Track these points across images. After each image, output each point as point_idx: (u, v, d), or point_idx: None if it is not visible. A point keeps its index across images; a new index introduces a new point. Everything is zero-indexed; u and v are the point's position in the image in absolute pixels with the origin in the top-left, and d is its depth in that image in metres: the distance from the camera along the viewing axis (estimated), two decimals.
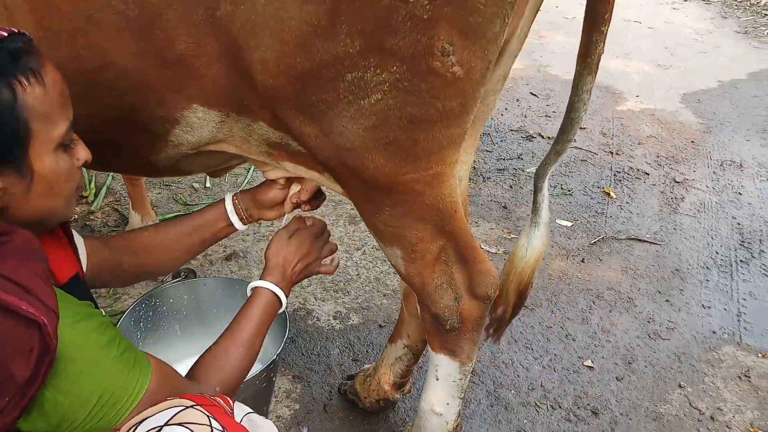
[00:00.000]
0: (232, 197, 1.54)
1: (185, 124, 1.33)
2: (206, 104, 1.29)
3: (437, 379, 1.64)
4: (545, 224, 1.59)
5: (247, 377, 1.51)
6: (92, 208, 3.01)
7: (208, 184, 3.24)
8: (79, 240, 1.32)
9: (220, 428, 1.01)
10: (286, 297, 1.40)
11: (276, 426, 1.69)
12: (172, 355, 1.83)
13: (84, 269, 1.32)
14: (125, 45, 1.20)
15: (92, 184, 3.15)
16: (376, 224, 1.40)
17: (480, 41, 1.11)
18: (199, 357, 1.27)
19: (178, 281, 1.78)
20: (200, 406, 1.04)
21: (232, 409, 1.13)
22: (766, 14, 6.95)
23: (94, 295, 2.42)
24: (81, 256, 1.32)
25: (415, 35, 1.06)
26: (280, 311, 1.40)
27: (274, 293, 1.37)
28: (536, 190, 1.58)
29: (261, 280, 1.39)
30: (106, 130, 1.35)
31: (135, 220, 2.68)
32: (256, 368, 1.58)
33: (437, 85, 1.14)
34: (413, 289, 1.52)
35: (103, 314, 1.10)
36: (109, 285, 1.55)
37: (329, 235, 1.56)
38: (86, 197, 3.08)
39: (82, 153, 1.13)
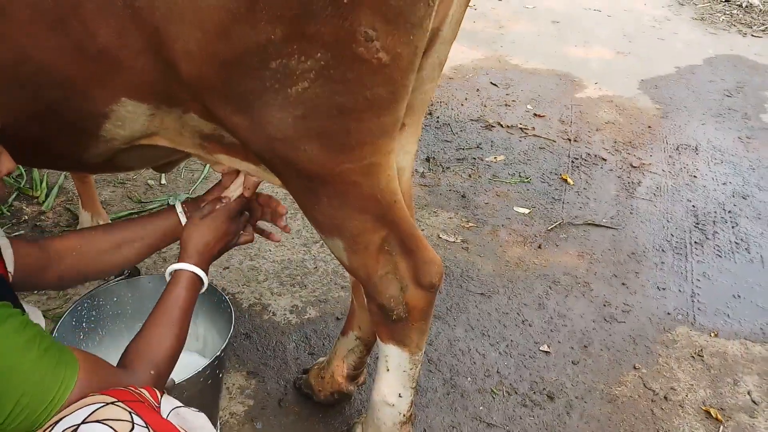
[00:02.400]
0: (182, 204, 1.53)
1: (115, 119, 1.29)
2: (135, 97, 1.25)
3: (388, 370, 1.63)
4: None
5: (191, 374, 1.49)
6: (43, 207, 2.93)
7: (163, 181, 3.18)
8: (4, 241, 1.28)
9: (143, 424, 0.99)
10: (206, 275, 1.41)
11: (231, 421, 1.67)
12: (117, 353, 1.79)
13: (11, 271, 1.27)
14: (42, 39, 1.15)
15: (44, 184, 3.06)
16: (316, 216, 1.38)
17: (404, 26, 1.09)
18: (129, 344, 1.25)
19: (121, 279, 1.74)
20: (122, 402, 1.01)
21: (160, 403, 1.11)
22: (721, 1, 7.08)
23: (43, 296, 2.36)
24: (6, 258, 1.27)
25: (337, 21, 1.04)
26: (202, 290, 1.41)
27: (195, 273, 1.38)
28: None
29: (180, 263, 1.39)
30: (33, 127, 1.31)
31: (85, 218, 2.61)
32: (201, 364, 1.55)
33: (364, 72, 1.12)
34: (359, 280, 1.50)
35: (23, 314, 1.06)
36: (45, 287, 1.51)
37: (250, 210, 1.56)
38: (37, 197, 2.99)
39: (5, 165, 1.10)
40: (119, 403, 1.01)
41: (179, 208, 1.50)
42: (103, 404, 1.00)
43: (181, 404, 1.15)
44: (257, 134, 1.22)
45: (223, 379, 1.77)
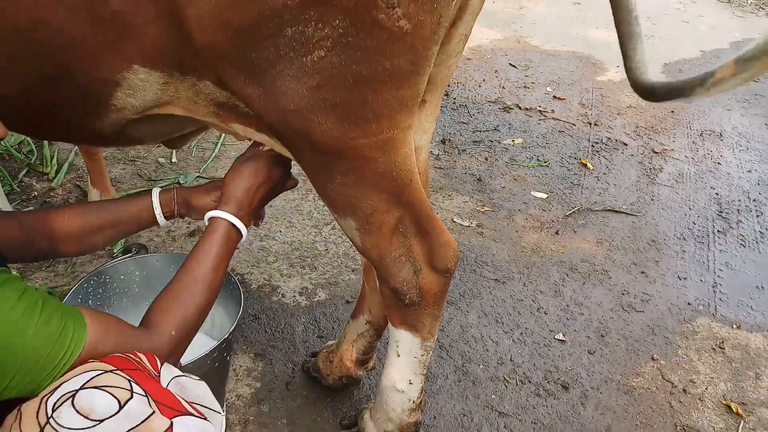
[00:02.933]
0: (160, 192, 1.44)
1: (127, 87, 1.24)
2: (148, 65, 1.20)
3: (398, 356, 1.57)
4: None
5: (198, 356, 1.44)
6: (53, 184, 2.89)
7: (174, 159, 3.13)
8: None
9: (142, 393, 0.95)
10: (246, 227, 1.32)
11: (237, 404, 1.62)
12: None
13: None
14: (54, 1, 1.10)
15: (54, 160, 3.02)
16: (329, 194, 1.32)
17: None
18: (154, 300, 1.19)
19: (129, 257, 1.69)
20: (121, 370, 0.97)
21: (159, 371, 1.06)
22: None
23: (51, 272, 2.33)
24: None
25: None
26: (241, 241, 1.33)
27: (232, 224, 1.30)
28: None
29: (217, 210, 1.30)
30: (43, 93, 1.26)
31: (94, 196, 2.57)
32: (210, 346, 1.51)
33: (384, 40, 1.05)
34: (371, 262, 1.44)
35: (21, 279, 1.03)
36: (20, 261, 1.47)
37: (290, 161, 1.46)
38: (47, 173, 2.96)
39: None
40: (118, 372, 0.97)
41: (155, 198, 1.40)
42: (101, 372, 0.96)
43: (181, 373, 1.11)
44: (270, 105, 1.16)
45: (231, 361, 1.72)
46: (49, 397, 0.91)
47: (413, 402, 1.64)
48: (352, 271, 2.44)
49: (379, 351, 1.98)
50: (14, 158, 3.02)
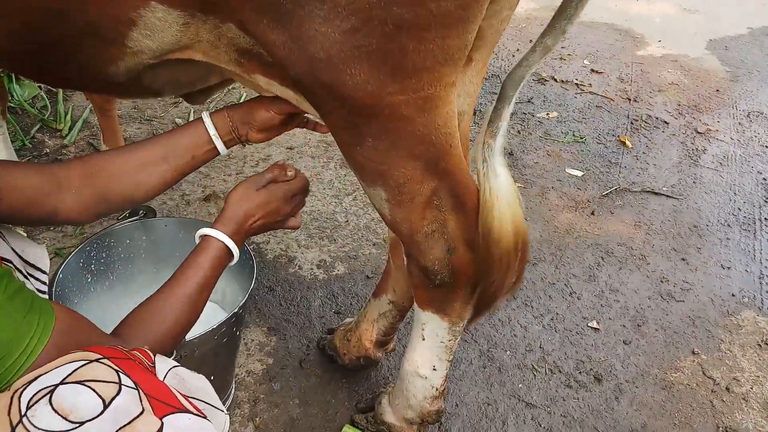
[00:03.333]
0: (211, 114, 1.26)
1: (144, 27, 1.10)
2: (166, 2, 1.06)
3: (423, 339, 1.44)
4: (500, 152, 1.25)
5: (205, 330, 1.32)
6: (66, 141, 2.78)
7: (192, 119, 2.98)
8: None
9: (132, 385, 0.81)
10: (239, 250, 1.20)
11: (247, 380, 1.50)
12: (128, 300, 1.64)
13: None
14: None
15: (68, 117, 2.90)
16: (357, 158, 1.17)
17: None
18: (131, 311, 1.06)
19: (135, 220, 1.57)
20: (108, 359, 0.84)
21: (153, 363, 0.93)
22: None
23: (59, 233, 2.22)
24: None
25: None
26: (231, 264, 1.20)
27: (226, 246, 1.17)
28: (501, 99, 1.22)
29: (213, 229, 1.18)
30: (51, 31, 1.12)
31: None
32: (219, 318, 1.38)
33: None
34: (399, 237, 1.30)
35: None
36: (44, 222, 1.31)
37: (307, 193, 1.33)
38: (60, 130, 2.84)
39: None
40: (105, 361, 0.84)
41: (207, 120, 1.24)
42: (85, 362, 0.83)
43: (177, 363, 0.98)
44: (296, 53, 1.01)
45: (242, 335, 1.60)
46: (23, 391, 0.78)
47: (436, 389, 1.51)
48: (373, 245, 2.30)
49: (400, 331, 1.85)
50: (27, 113, 2.91)
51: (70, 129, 2.84)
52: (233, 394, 1.67)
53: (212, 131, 1.24)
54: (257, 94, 1.32)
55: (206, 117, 1.25)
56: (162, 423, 0.79)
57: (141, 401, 0.81)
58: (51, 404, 0.77)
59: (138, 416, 0.78)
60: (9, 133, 2.76)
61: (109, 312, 1.59)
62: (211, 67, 1.25)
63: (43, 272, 1.25)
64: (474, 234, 1.27)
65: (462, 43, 1.02)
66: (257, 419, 1.66)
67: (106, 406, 0.78)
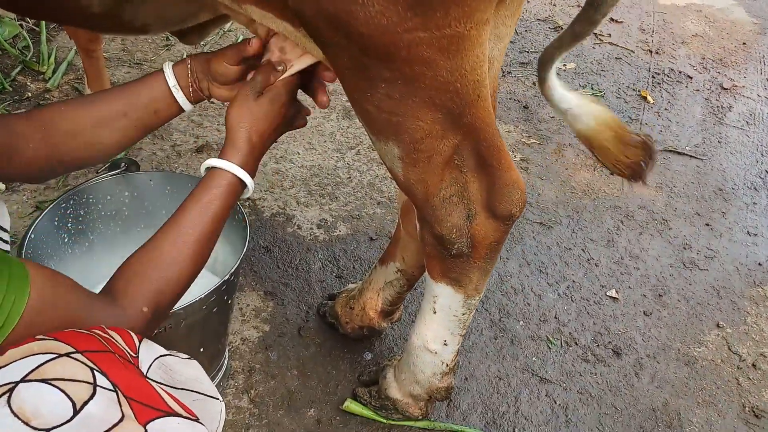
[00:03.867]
0: (173, 66, 1.10)
1: None
2: None
3: (434, 312, 1.30)
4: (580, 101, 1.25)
5: (193, 300, 1.18)
6: (48, 85, 2.57)
7: None
8: None
9: (110, 387, 0.67)
10: (253, 177, 1.03)
11: (242, 348, 1.37)
12: (110, 262, 1.49)
13: None
14: None
15: (51, 59, 2.69)
16: (367, 107, 1.00)
17: None
18: (123, 263, 0.91)
19: (117, 173, 1.40)
20: (81, 353, 0.69)
21: (138, 351, 0.79)
22: None
23: (41, 185, 2.05)
24: None
25: None
26: (246, 196, 1.04)
27: (238, 177, 1.01)
28: (541, 81, 1.22)
29: (221, 159, 1.01)
30: None
31: None
32: (209, 286, 1.24)
33: None
34: (413, 200, 1.14)
35: None
36: (10, 178, 1.16)
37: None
38: (43, 73, 2.63)
39: None
40: (77, 355, 0.69)
41: (168, 70, 1.08)
42: (54, 356, 0.68)
43: (165, 351, 0.84)
44: None
45: (235, 301, 1.46)
46: None
47: (446, 365, 1.39)
48: (378, 204, 2.14)
49: (407, 298, 1.71)
50: (8, 54, 2.69)
51: (54, 72, 2.64)
52: (227, 364, 1.55)
53: (171, 81, 1.08)
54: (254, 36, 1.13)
55: (167, 67, 1.09)
56: (146, 429, 0.65)
57: (120, 405, 0.66)
58: (10, 405, 0.63)
59: (116, 424, 0.64)
60: None
61: (90, 275, 1.45)
62: (200, 1, 1.07)
63: (4, 230, 1.10)
64: (498, 197, 1.12)
65: None
66: (252, 391, 1.54)
67: (76, 412, 0.64)
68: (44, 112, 1.06)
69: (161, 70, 1.10)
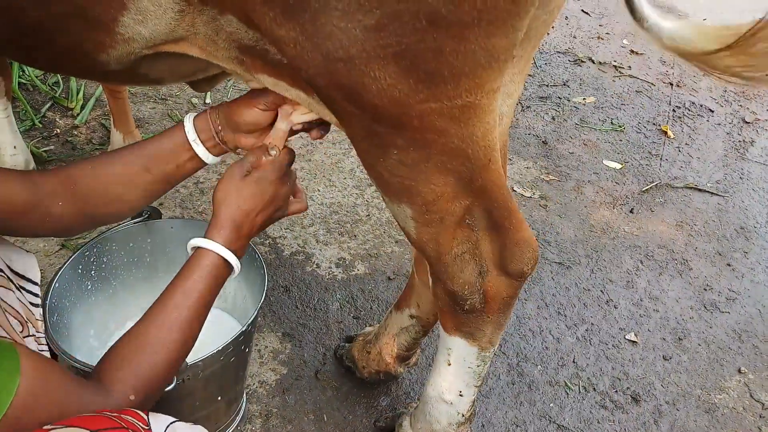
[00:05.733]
0: (194, 118, 1.11)
1: (136, 10, 0.97)
2: None
3: (449, 364, 1.31)
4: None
5: (210, 352, 1.20)
6: (76, 121, 2.66)
7: (208, 100, 2.85)
8: None
9: None
10: (240, 258, 1.03)
11: (259, 391, 1.36)
12: (137, 307, 1.53)
13: None
14: None
15: (80, 95, 2.78)
16: (380, 172, 1.02)
17: None
18: (110, 348, 0.93)
19: (139, 221, 1.44)
20: None
21: (148, 423, 0.81)
22: None
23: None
24: None
25: None
26: (232, 277, 1.04)
27: (223, 257, 1.01)
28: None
29: (205, 239, 1.01)
30: (31, 10, 0.99)
31: (116, 139, 2.33)
32: (228, 332, 1.26)
33: None
34: (426, 258, 1.15)
35: None
36: (38, 234, 1.21)
37: (293, 161, 1.15)
38: (72, 109, 2.72)
39: None
40: None
41: (188, 125, 1.08)
42: None
43: (173, 419, 0.86)
44: (310, 52, 0.86)
45: (252, 347, 1.49)
46: None
47: (462, 415, 1.38)
48: (396, 242, 2.16)
49: (424, 341, 1.72)
50: (38, 90, 2.79)
51: (82, 108, 2.73)
52: (244, 408, 1.57)
53: (191, 136, 1.09)
54: None
55: (188, 121, 1.10)
56: None
57: None
58: None
59: None
60: (19, 112, 2.67)
61: (111, 321, 1.49)
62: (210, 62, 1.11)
63: (34, 283, 1.14)
64: (509, 256, 1.13)
65: (510, 42, 0.85)
66: None
67: None
68: (70, 170, 1.09)
69: (182, 123, 1.11)
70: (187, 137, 1.10)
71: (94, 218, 1.14)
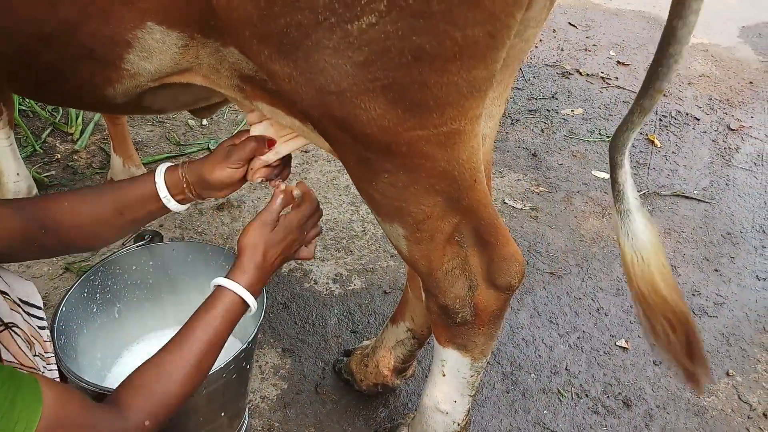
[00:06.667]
0: (166, 171, 1.16)
1: (141, 49, 1.03)
2: (164, 23, 0.98)
3: (443, 375, 1.36)
4: (637, 209, 1.12)
5: (213, 370, 1.25)
6: (76, 146, 2.71)
7: (204, 122, 2.91)
8: None
9: None
10: (255, 299, 1.10)
11: (261, 406, 1.40)
12: (141, 327, 1.58)
13: None
14: None
15: (79, 120, 2.84)
16: (373, 195, 1.08)
17: None
18: (129, 375, 0.98)
19: (142, 245, 1.50)
20: None
21: None
22: None
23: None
24: None
25: None
26: (248, 315, 1.11)
27: (242, 299, 1.07)
28: (613, 167, 1.14)
29: (229, 280, 1.07)
30: (43, 52, 1.06)
31: (116, 163, 2.39)
32: (226, 357, 1.31)
33: (455, 4, 0.79)
34: (418, 274, 1.21)
35: None
36: (23, 258, 1.26)
37: (321, 215, 1.23)
38: (71, 134, 2.78)
39: None
40: None
41: (159, 181, 1.14)
42: None
43: None
44: (304, 86, 0.92)
45: (253, 364, 1.53)
46: None
47: (457, 424, 1.43)
48: (391, 256, 2.21)
49: (421, 353, 1.77)
50: (38, 116, 2.85)
51: (82, 133, 2.78)
52: (247, 423, 1.61)
53: (162, 193, 1.15)
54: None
55: (159, 176, 1.15)
56: None
57: None
58: None
59: None
60: (20, 138, 2.72)
61: (117, 342, 1.54)
62: (212, 90, 1.17)
63: (38, 308, 1.20)
64: (497, 270, 1.18)
65: (490, 73, 0.92)
66: None
67: None
68: (50, 203, 1.14)
69: (152, 176, 1.16)
70: (158, 193, 1.15)
71: (75, 249, 1.23)
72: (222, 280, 1.07)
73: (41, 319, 1.18)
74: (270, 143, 1.17)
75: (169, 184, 1.16)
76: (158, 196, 1.15)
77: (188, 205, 1.21)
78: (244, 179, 1.18)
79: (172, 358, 0.99)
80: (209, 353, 1.03)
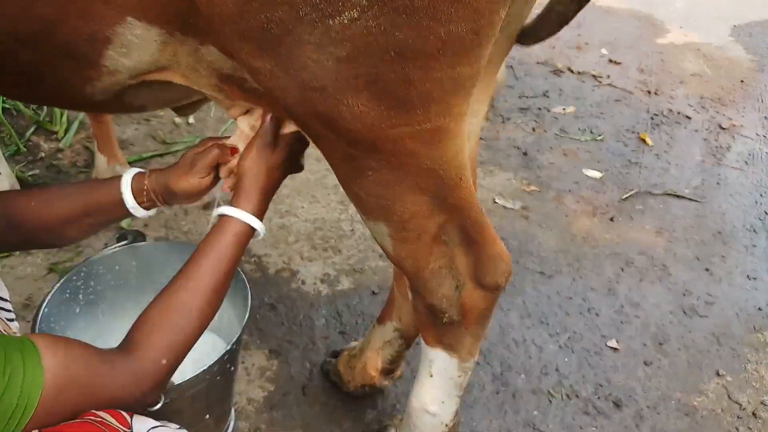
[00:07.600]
0: (133, 178, 1.14)
1: (120, 44, 1.01)
2: (144, 18, 0.96)
3: (431, 376, 1.34)
4: None
5: (196, 372, 1.23)
6: (61, 145, 2.68)
7: (191, 121, 2.88)
8: None
9: None
10: (261, 220, 1.08)
11: (248, 408, 1.38)
12: (124, 330, 1.54)
13: None
14: None
15: (64, 118, 2.80)
16: (358, 193, 1.06)
17: None
18: (142, 313, 0.95)
19: (125, 245, 1.47)
20: None
21: (131, 427, 0.84)
22: None
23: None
24: None
25: None
26: (258, 238, 1.09)
27: (249, 225, 1.05)
28: None
29: (234, 208, 1.05)
30: (20, 52, 1.04)
31: (100, 162, 2.35)
32: (214, 350, 1.29)
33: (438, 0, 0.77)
34: (405, 274, 1.19)
35: None
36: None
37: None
38: (56, 133, 2.74)
39: None
40: None
41: (126, 190, 1.13)
42: None
43: (157, 423, 0.89)
44: (286, 83, 0.90)
45: (239, 366, 1.51)
46: None
47: (445, 425, 1.41)
48: (380, 256, 2.19)
49: (409, 353, 1.75)
50: (22, 114, 2.81)
51: (66, 131, 2.74)
52: (233, 425, 1.59)
53: (130, 203, 1.13)
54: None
55: (125, 185, 1.13)
56: None
57: None
58: None
59: None
60: (4, 137, 2.68)
61: (101, 344, 1.50)
62: (192, 89, 1.15)
63: (4, 300, 1.18)
64: (484, 269, 1.17)
65: (475, 70, 0.90)
66: None
67: None
68: (17, 201, 1.12)
69: (118, 183, 1.14)
70: (123, 199, 1.13)
71: (32, 245, 1.23)
72: (229, 209, 1.04)
73: (9, 311, 1.16)
74: (233, 151, 1.15)
75: (136, 192, 1.14)
76: (122, 204, 1.14)
77: (155, 209, 1.19)
78: (210, 186, 1.16)
79: (184, 292, 0.96)
80: (223, 283, 1.01)
